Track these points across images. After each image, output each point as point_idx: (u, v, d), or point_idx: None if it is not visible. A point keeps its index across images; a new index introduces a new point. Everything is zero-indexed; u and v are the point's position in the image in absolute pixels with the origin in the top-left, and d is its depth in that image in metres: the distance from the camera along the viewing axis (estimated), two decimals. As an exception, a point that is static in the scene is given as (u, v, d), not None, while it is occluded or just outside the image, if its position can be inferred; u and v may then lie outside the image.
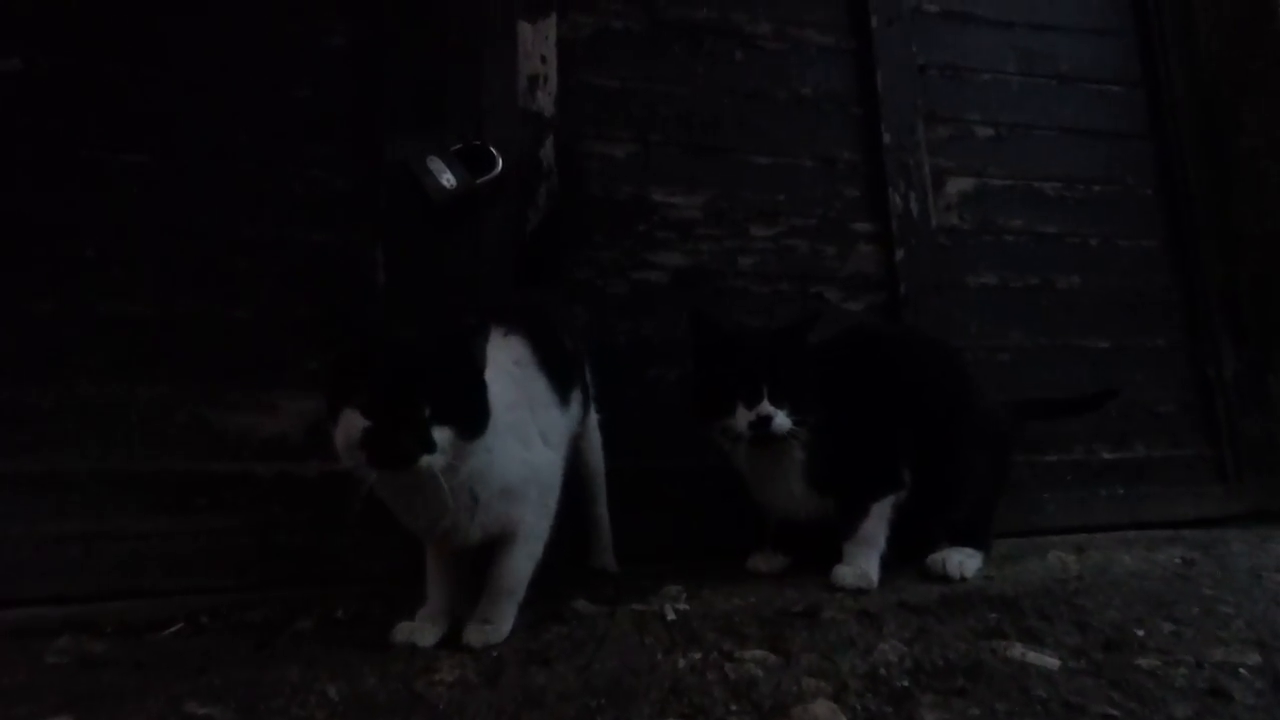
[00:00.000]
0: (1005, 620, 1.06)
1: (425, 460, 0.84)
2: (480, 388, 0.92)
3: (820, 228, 1.80)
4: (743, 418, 1.20)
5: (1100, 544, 1.59)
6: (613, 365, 1.58)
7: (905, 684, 0.84)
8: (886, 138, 1.86)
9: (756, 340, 1.28)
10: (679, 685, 0.84)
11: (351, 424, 0.84)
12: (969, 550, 1.32)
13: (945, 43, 1.98)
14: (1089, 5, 2.12)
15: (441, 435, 0.86)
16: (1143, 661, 0.88)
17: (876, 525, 1.26)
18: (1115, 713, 0.75)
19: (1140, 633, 0.99)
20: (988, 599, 1.18)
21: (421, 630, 1.01)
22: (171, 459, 1.34)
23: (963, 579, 1.27)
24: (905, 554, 1.31)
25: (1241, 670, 0.84)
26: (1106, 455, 1.86)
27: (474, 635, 0.99)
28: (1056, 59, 2.05)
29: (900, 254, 1.81)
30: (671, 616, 1.11)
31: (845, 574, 1.22)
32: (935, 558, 1.30)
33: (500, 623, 1.01)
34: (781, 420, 1.19)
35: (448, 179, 1.47)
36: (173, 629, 1.10)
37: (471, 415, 0.89)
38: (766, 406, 1.19)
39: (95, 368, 1.33)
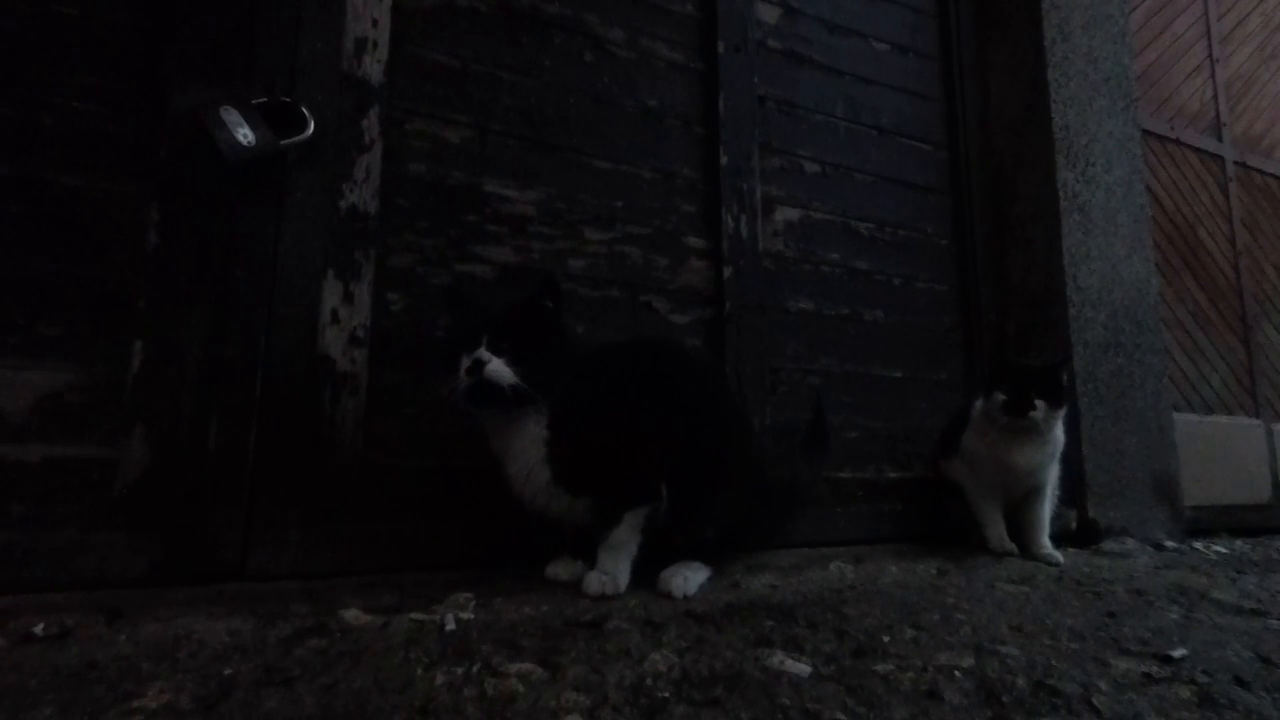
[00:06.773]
0: (778, 628, 1.11)
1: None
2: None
3: (655, 238, 1.82)
4: (462, 366, 1.16)
5: (877, 555, 1.73)
6: (429, 358, 1.50)
7: (666, 695, 0.84)
8: (724, 160, 1.93)
9: (489, 302, 1.28)
10: (430, 704, 0.78)
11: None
12: (696, 564, 1.34)
13: (784, 79, 2.09)
14: (910, 69, 2.35)
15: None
16: (880, 667, 0.95)
17: (628, 533, 1.26)
18: (843, 717, 0.79)
19: (886, 639, 1.07)
20: (769, 607, 1.23)
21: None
22: None
23: (685, 597, 1.25)
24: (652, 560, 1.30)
25: (956, 673, 0.93)
26: (892, 474, 2.05)
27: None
28: (879, 111, 2.25)
29: (728, 272, 1.88)
30: (451, 627, 1.05)
31: (591, 580, 1.23)
32: (665, 574, 1.29)
33: None
34: (498, 367, 1.15)
35: (245, 134, 1.31)
36: None
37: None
38: (483, 352, 1.15)
39: None
